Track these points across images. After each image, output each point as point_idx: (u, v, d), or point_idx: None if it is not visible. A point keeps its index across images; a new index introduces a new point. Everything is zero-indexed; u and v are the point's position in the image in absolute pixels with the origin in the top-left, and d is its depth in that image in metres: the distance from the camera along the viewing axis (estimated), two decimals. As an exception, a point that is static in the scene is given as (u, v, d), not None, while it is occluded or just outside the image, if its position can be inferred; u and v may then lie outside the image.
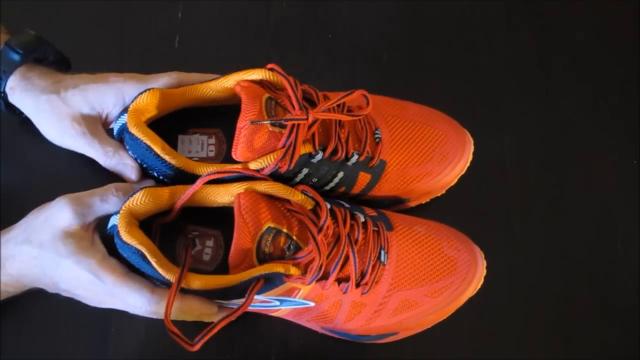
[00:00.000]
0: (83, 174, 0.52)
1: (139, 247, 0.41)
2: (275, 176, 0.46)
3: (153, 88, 0.46)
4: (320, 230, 0.44)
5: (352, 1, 0.66)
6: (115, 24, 0.63)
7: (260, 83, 0.47)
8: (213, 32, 0.63)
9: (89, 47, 0.61)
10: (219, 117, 0.50)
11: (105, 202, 0.44)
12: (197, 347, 0.40)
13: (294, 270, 0.43)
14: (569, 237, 0.58)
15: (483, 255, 0.50)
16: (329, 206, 0.46)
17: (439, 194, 0.54)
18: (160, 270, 0.41)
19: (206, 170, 0.45)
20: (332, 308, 0.47)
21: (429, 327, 0.50)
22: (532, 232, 0.57)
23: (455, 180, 0.54)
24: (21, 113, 0.50)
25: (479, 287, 0.49)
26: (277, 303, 0.46)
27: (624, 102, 0.63)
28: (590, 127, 0.62)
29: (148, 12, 0.63)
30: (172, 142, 0.49)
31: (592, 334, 0.55)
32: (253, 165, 0.45)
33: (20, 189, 0.54)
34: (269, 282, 0.43)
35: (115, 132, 0.49)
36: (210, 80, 0.48)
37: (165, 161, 0.45)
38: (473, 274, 0.49)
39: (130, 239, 0.41)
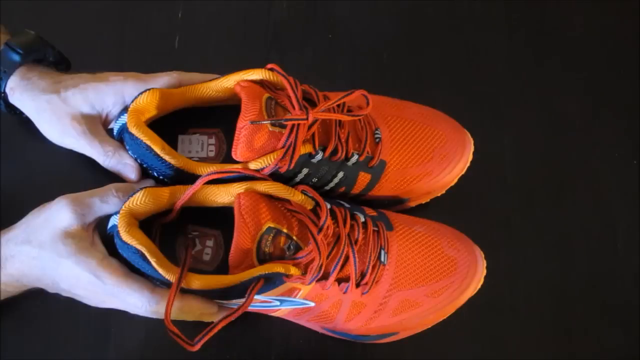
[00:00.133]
0: (83, 174, 0.52)
1: (139, 247, 0.41)
2: (275, 176, 0.46)
3: (153, 88, 0.46)
4: (320, 230, 0.44)
5: (352, 1, 0.66)
6: (115, 24, 0.63)
7: (260, 83, 0.47)
8: (213, 32, 0.63)
9: (89, 47, 0.61)
10: (219, 117, 0.50)
11: (105, 202, 0.44)
12: (197, 347, 0.40)
13: (294, 270, 0.43)
14: (569, 237, 0.58)
15: (483, 255, 0.50)
16: (329, 206, 0.46)
17: (439, 194, 0.54)
18: (160, 270, 0.41)
19: (206, 170, 0.45)
20: (332, 308, 0.47)
21: (429, 327, 0.50)
22: (532, 232, 0.57)
23: (455, 180, 0.54)
24: (21, 113, 0.50)
25: (479, 287, 0.49)
26: (277, 303, 0.46)
27: (623, 102, 0.63)
28: (590, 127, 0.62)
29: (148, 12, 0.63)
30: (172, 142, 0.49)
31: (592, 334, 0.55)
32: (253, 165, 0.45)
33: (20, 189, 0.54)
34: (269, 282, 0.43)
35: (115, 132, 0.49)
36: (210, 80, 0.48)
37: (165, 161, 0.45)
38: (473, 274, 0.49)
39: (130, 239, 0.41)
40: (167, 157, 0.45)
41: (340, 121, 0.48)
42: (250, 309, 0.45)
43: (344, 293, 0.46)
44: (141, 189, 0.43)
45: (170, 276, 0.41)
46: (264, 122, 0.44)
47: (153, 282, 0.44)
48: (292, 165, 0.45)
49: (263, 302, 0.45)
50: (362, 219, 0.47)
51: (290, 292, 0.44)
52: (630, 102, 0.63)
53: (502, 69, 0.64)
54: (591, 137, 0.61)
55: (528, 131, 0.61)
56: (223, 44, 0.63)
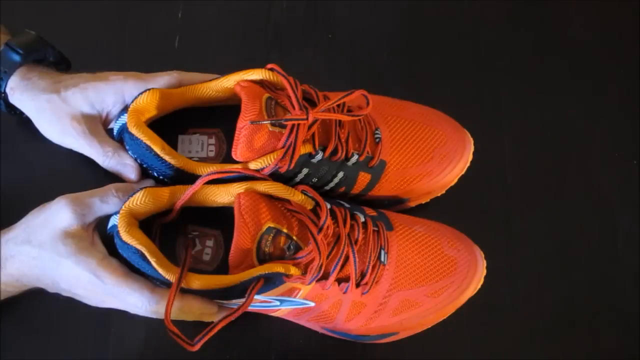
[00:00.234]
0: (83, 174, 0.52)
1: (139, 247, 0.41)
2: (275, 176, 0.46)
3: (153, 88, 0.46)
4: (320, 230, 0.44)
5: (352, 1, 0.66)
6: (115, 24, 0.63)
7: (260, 83, 0.47)
8: (213, 32, 0.63)
9: (89, 47, 0.61)
10: (219, 117, 0.50)
11: (105, 202, 0.44)
12: (197, 347, 0.40)
13: (294, 270, 0.43)
14: (569, 237, 0.58)
15: (483, 255, 0.50)
16: (329, 206, 0.46)
17: (439, 194, 0.54)
18: (160, 270, 0.41)
19: (206, 170, 0.45)
20: (332, 308, 0.47)
21: (429, 327, 0.50)
22: (532, 232, 0.57)
23: (455, 180, 0.54)
24: (21, 113, 0.50)
25: (479, 287, 0.49)
26: (277, 303, 0.46)
27: (623, 102, 0.63)
28: (590, 127, 0.62)
29: (148, 12, 0.63)
30: (172, 142, 0.49)
31: (592, 334, 0.55)
32: (253, 165, 0.45)
33: (20, 189, 0.54)
34: (269, 282, 0.43)
35: (115, 132, 0.49)
36: (210, 80, 0.48)
37: (165, 161, 0.45)
38: (473, 274, 0.49)
39: (130, 239, 0.41)
40: (167, 157, 0.45)
41: (340, 121, 0.48)
42: (250, 309, 0.45)
43: (344, 293, 0.46)
44: (141, 189, 0.43)
45: (170, 276, 0.41)
46: (264, 122, 0.44)
47: (153, 282, 0.44)
48: (292, 165, 0.45)
49: (263, 302, 0.45)
50: (362, 219, 0.47)
51: (290, 292, 0.44)
52: (630, 102, 0.63)
53: (502, 68, 0.64)
54: (591, 137, 0.61)
55: (528, 131, 0.61)
56: (223, 44, 0.63)
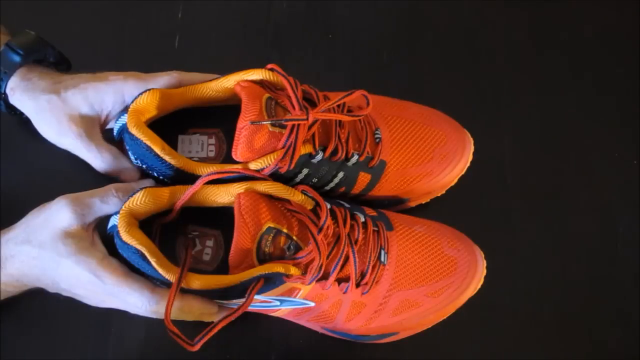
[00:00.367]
0: (83, 174, 0.52)
1: (139, 247, 0.41)
2: (275, 176, 0.46)
3: (153, 88, 0.46)
4: (320, 230, 0.44)
5: (352, 1, 0.66)
6: (115, 24, 0.63)
7: (260, 83, 0.47)
8: (213, 32, 0.63)
9: (89, 47, 0.61)
10: (219, 117, 0.50)
11: (105, 202, 0.44)
12: (197, 347, 0.40)
13: (294, 270, 0.43)
14: (569, 237, 0.58)
15: (483, 255, 0.50)
16: (329, 206, 0.46)
17: (439, 194, 0.54)
18: (160, 270, 0.41)
19: (206, 171, 0.45)
20: (332, 308, 0.47)
21: (429, 327, 0.50)
22: (532, 232, 0.57)
23: (455, 180, 0.54)
24: (21, 114, 0.50)
25: (479, 287, 0.49)
26: (277, 303, 0.46)
27: (623, 102, 0.63)
28: (590, 127, 0.62)
29: (148, 12, 0.63)
30: (172, 142, 0.49)
31: (592, 334, 0.55)
32: (253, 166, 0.45)
33: (20, 189, 0.54)
34: (269, 282, 0.43)
35: (115, 132, 0.49)
36: (210, 80, 0.48)
37: (165, 161, 0.45)
38: (473, 274, 0.49)
39: (130, 239, 0.41)
40: (167, 157, 0.45)
41: (340, 121, 0.48)
42: (250, 309, 0.45)
43: (344, 293, 0.46)
44: (141, 189, 0.43)
45: (170, 276, 0.41)
46: (264, 122, 0.44)
47: (153, 282, 0.44)
48: (292, 165, 0.45)
49: (263, 302, 0.45)
50: (362, 219, 0.47)
51: (290, 292, 0.44)
52: (630, 102, 0.63)
53: (502, 68, 0.64)
54: (591, 137, 0.61)
55: (528, 131, 0.61)
56: (223, 44, 0.63)
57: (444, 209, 0.55)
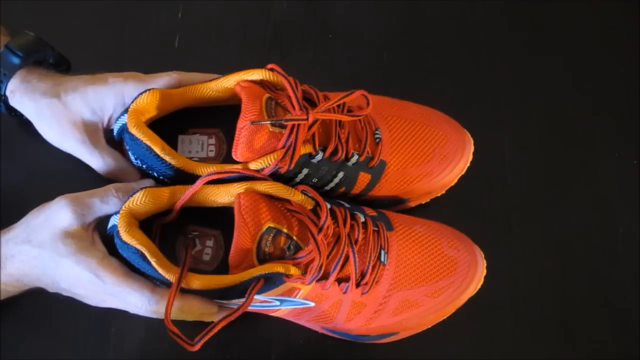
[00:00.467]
0: (83, 174, 0.52)
1: (139, 247, 0.41)
2: (275, 176, 0.46)
3: (153, 88, 0.46)
4: (320, 230, 0.44)
5: (352, 1, 0.66)
6: (115, 24, 0.63)
7: (261, 83, 0.47)
8: (213, 32, 0.63)
9: (89, 48, 0.61)
10: (219, 117, 0.50)
11: (105, 202, 0.44)
12: (197, 347, 0.40)
13: (294, 270, 0.43)
14: (569, 237, 0.58)
15: (483, 255, 0.50)
16: (329, 206, 0.46)
17: (439, 194, 0.54)
18: (160, 270, 0.41)
19: (206, 171, 0.45)
20: (332, 308, 0.47)
21: (429, 327, 0.50)
22: (532, 232, 0.57)
23: (455, 180, 0.54)
24: (22, 115, 0.50)
25: (479, 287, 0.49)
26: (277, 303, 0.46)
27: (623, 102, 0.63)
28: (590, 127, 0.62)
29: (148, 12, 0.63)
30: (172, 142, 0.49)
31: (592, 334, 0.55)
32: (253, 166, 0.45)
33: (20, 189, 0.54)
34: (269, 282, 0.43)
35: (115, 132, 0.49)
36: (210, 80, 0.48)
37: (165, 161, 0.45)
38: (473, 274, 0.49)
39: (130, 239, 0.41)
40: (167, 157, 0.45)
41: (340, 121, 0.48)
42: (250, 309, 0.45)
43: (344, 293, 0.46)
44: (141, 189, 0.43)
45: (170, 276, 0.41)
46: (264, 122, 0.44)
47: (153, 282, 0.44)
48: (292, 165, 0.45)
49: (263, 302, 0.45)
50: (362, 219, 0.47)
51: (290, 292, 0.44)
52: (630, 102, 0.63)
53: (502, 68, 0.64)
54: (591, 137, 0.61)
55: (528, 131, 0.61)
56: (223, 44, 0.63)
57: (444, 209, 0.55)
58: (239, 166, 0.45)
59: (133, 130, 0.45)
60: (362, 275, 0.46)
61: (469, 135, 0.54)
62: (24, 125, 0.51)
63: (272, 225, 0.43)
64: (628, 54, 0.65)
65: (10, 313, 0.51)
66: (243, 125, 0.43)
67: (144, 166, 0.48)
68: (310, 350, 0.52)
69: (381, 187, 0.51)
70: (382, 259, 0.47)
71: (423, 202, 0.55)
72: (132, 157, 0.48)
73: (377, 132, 0.51)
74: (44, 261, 0.42)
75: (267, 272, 0.42)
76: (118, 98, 0.48)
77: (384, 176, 0.51)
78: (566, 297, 0.56)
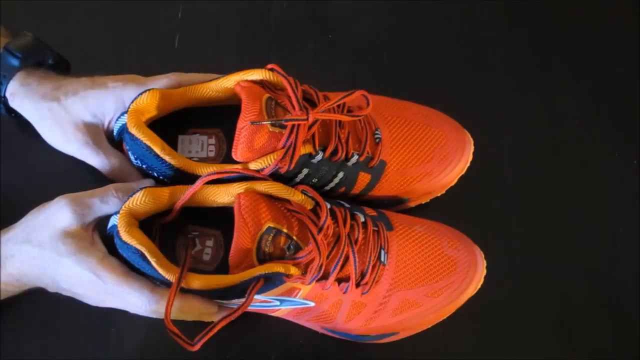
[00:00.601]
0: (83, 174, 0.52)
1: (139, 247, 0.41)
2: (275, 176, 0.46)
3: (153, 88, 0.46)
4: (320, 230, 0.44)
5: (352, 1, 0.66)
6: (115, 24, 0.63)
7: (261, 83, 0.47)
8: (213, 32, 0.63)
9: (89, 48, 0.61)
10: (219, 117, 0.50)
11: (105, 202, 0.44)
12: (197, 347, 0.40)
13: (294, 270, 0.43)
14: (569, 237, 0.58)
15: (483, 255, 0.50)
16: (329, 206, 0.46)
17: (439, 194, 0.54)
18: (160, 270, 0.41)
19: (206, 171, 0.45)
20: (332, 308, 0.47)
21: (429, 327, 0.50)
22: (532, 232, 0.57)
23: (455, 180, 0.54)
24: (22, 116, 0.50)
25: (479, 287, 0.49)
26: (277, 303, 0.46)
27: (623, 102, 0.63)
28: (590, 127, 0.62)
29: (148, 12, 0.63)
30: (172, 142, 0.49)
31: (592, 333, 0.55)
32: (253, 166, 0.45)
33: (20, 189, 0.54)
34: (269, 282, 0.43)
35: (115, 132, 0.49)
36: (210, 81, 0.48)
37: (165, 161, 0.45)
38: (473, 274, 0.49)
39: (130, 239, 0.41)
40: (167, 157, 0.45)
41: (340, 121, 0.48)
42: (250, 309, 0.45)
43: (344, 293, 0.46)
44: (141, 189, 0.43)
45: (170, 276, 0.41)
46: (264, 122, 0.44)
47: (153, 281, 0.44)
48: (292, 165, 0.45)
49: (263, 302, 0.45)
50: (362, 219, 0.47)
51: (290, 292, 0.44)
52: (630, 102, 0.63)
53: (502, 68, 0.64)
54: (591, 137, 0.61)
55: (528, 131, 0.61)
56: (223, 44, 0.63)
57: (444, 209, 0.55)
58: (238, 166, 0.45)
59: (133, 130, 0.45)
60: (362, 275, 0.46)
61: (469, 135, 0.54)
62: (24, 125, 0.51)
63: (272, 225, 0.43)
64: (628, 54, 0.65)
65: (10, 313, 0.51)
66: (243, 125, 0.43)
67: (144, 166, 0.48)
68: (310, 350, 0.52)
69: (381, 187, 0.51)
70: (382, 259, 0.47)
71: (423, 202, 0.55)
72: (132, 157, 0.48)
73: (377, 132, 0.51)
74: (44, 261, 0.42)
75: (267, 272, 0.42)
76: (118, 103, 0.48)
77: (384, 176, 0.51)
78: (566, 297, 0.56)
